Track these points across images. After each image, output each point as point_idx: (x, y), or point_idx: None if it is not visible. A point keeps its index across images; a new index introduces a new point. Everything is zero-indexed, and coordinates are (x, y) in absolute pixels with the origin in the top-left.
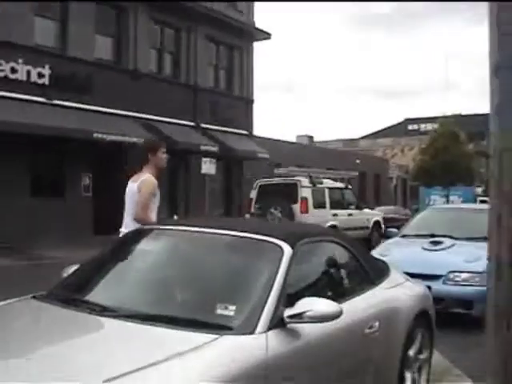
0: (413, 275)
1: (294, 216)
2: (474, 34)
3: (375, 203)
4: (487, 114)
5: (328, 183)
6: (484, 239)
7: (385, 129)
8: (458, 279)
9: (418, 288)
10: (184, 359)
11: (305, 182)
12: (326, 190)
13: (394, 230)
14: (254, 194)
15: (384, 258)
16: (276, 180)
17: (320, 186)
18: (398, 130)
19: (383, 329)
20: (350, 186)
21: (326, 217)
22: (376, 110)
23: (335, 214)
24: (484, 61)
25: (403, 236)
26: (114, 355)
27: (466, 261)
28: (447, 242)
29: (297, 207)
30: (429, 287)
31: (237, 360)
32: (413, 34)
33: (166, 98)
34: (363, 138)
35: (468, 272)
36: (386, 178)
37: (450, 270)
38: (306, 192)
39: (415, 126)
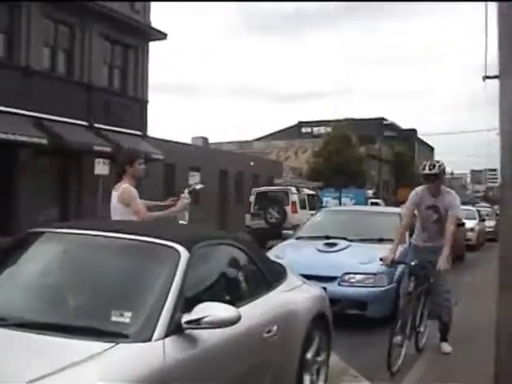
0: (309, 277)
1: (287, 215)
2: (370, 37)
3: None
4: (379, 119)
5: (306, 191)
6: (378, 241)
7: (279, 131)
8: (352, 280)
9: (314, 290)
10: (77, 370)
11: (293, 190)
12: (306, 196)
13: (289, 232)
14: (252, 199)
15: (280, 261)
16: (270, 188)
17: (302, 193)
18: (292, 132)
19: (281, 332)
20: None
21: (307, 215)
22: (270, 113)
23: (312, 214)
24: (381, 65)
25: (298, 238)
26: None
27: (360, 262)
28: (342, 243)
29: (288, 208)
30: (324, 289)
31: (133, 369)
32: (310, 36)
33: (59, 97)
34: (257, 139)
35: (362, 273)
36: (280, 181)
37: (345, 271)
38: (294, 197)
39: (308, 129)
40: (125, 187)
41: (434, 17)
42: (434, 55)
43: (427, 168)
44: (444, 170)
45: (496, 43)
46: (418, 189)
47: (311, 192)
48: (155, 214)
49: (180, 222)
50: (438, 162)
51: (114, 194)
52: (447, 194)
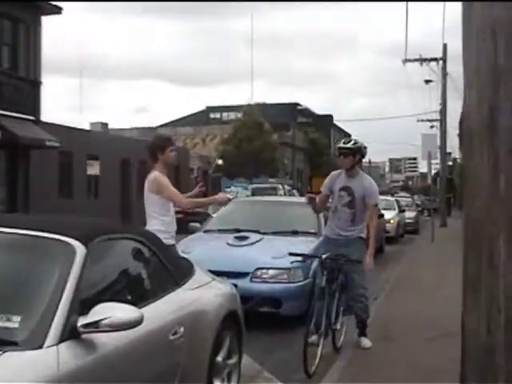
0: (218, 273)
1: None
2: (282, 19)
3: None
4: (293, 104)
5: (287, 186)
6: (292, 233)
7: (185, 117)
8: (265, 276)
9: (224, 287)
10: None
11: (280, 186)
12: (287, 190)
13: (197, 224)
14: (249, 193)
15: (187, 256)
16: (264, 185)
17: (286, 188)
18: (200, 118)
19: (188, 334)
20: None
21: None
22: (176, 98)
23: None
24: (289, 48)
25: (206, 231)
26: None
27: (273, 257)
28: (253, 236)
29: None
30: (235, 285)
31: (24, 380)
32: (215, 18)
33: None
34: (162, 126)
35: (276, 268)
36: (187, 169)
37: (258, 266)
38: (281, 191)
39: (217, 115)
40: (155, 175)
41: None
42: (352, 38)
43: (342, 142)
44: (361, 149)
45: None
46: (335, 172)
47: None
48: (196, 200)
49: (212, 212)
50: (355, 140)
51: (145, 186)
52: (364, 178)
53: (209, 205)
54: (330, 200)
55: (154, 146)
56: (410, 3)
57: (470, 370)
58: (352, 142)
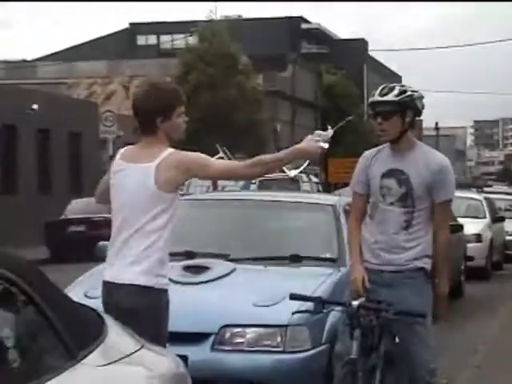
0: None
1: None
2: None
3: (70, 191)
4: (294, 19)
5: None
6: (289, 260)
7: (90, 41)
8: (240, 341)
9: (161, 362)
10: None
11: (304, 177)
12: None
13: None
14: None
15: (92, 303)
16: (273, 176)
17: (313, 180)
18: (118, 44)
19: None
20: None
21: None
22: (74, 10)
23: None
24: None
25: None
26: None
27: (255, 303)
28: (218, 266)
29: None
30: (185, 358)
31: None
32: None
33: None
34: (46, 58)
35: (260, 326)
36: (96, 142)
37: (225, 323)
38: (306, 186)
39: (152, 40)
40: (172, 153)
41: None
42: None
43: (378, 92)
44: (414, 100)
45: None
46: (369, 151)
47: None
48: (270, 159)
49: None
50: (403, 86)
51: (141, 169)
52: (427, 153)
53: (288, 163)
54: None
55: (153, 103)
56: None
57: None
58: (396, 92)
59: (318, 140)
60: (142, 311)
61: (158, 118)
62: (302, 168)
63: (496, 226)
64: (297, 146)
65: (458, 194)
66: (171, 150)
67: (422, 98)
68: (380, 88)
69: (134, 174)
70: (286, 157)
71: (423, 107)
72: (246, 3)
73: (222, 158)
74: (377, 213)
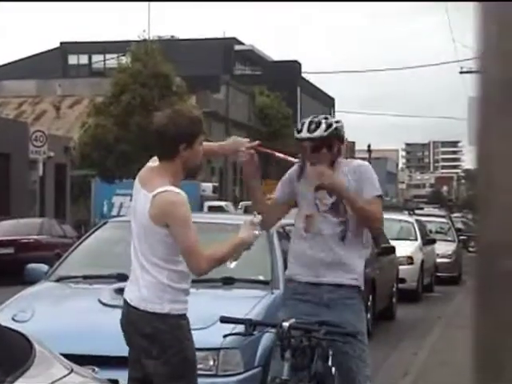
0: (83, 359)
1: None
2: None
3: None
4: (228, 40)
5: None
6: (222, 282)
7: (23, 59)
8: None
9: None
10: None
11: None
12: None
13: (42, 266)
14: None
15: (21, 327)
16: None
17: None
18: (50, 63)
19: None
20: None
21: None
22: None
23: None
24: None
25: (59, 280)
26: None
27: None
28: None
29: None
30: (116, 382)
31: None
32: None
33: None
34: None
35: (204, 349)
36: (25, 163)
37: None
38: None
39: (83, 60)
40: (171, 194)
41: None
42: None
43: (305, 127)
44: (339, 131)
45: None
46: (293, 169)
47: None
48: (217, 256)
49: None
50: (326, 118)
51: (144, 196)
52: (349, 164)
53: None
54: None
55: (179, 129)
56: None
57: None
58: (323, 127)
59: (252, 227)
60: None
61: (181, 144)
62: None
63: (427, 248)
64: (237, 240)
65: (390, 216)
66: (169, 188)
67: (343, 126)
68: (306, 124)
69: (140, 200)
70: (233, 251)
71: (344, 132)
72: (179, 23)
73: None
74: (311, 225)
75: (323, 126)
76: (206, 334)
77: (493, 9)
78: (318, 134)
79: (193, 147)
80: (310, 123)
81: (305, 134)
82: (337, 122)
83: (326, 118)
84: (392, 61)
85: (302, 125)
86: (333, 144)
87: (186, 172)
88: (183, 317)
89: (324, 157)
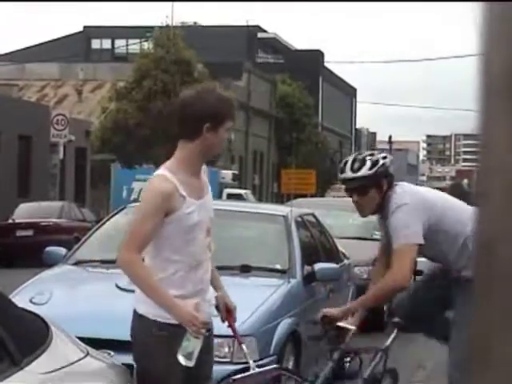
0: (99, 342)
1: None
2: None
3: (18, 195)
4: (250, 28)
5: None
6: (240, 270)
7: (45, 43)
8: None
9: (108, 372)
10: None
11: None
12: None
13: (59, 248)
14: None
15: (38, 310)
16: None
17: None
18: (72, 47)
19: None
20: None
21: None
22: (28, 11)
23: None
24: None
25: (78, 263)
26: None
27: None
28: None
29: None
30: (131, 367)
31: None
32: None
33: None
34: None
35: (220, 336)
36: (46, 146)
37: None
38: None
39: (106, 44)
40: (152, 178)
41: None
42: None
43: (348, 168)
44: (386, 168)
45: None
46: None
47: None
48: (143, 276)
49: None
50: (372, 154)
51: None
52: (390, 205)
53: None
54: None
55: (206, 107)
56: None
57: None
58: (369, 165)
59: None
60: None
61: (205, 124)
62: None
63: None
64: (169, 302)
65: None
66: (160, 172)
67: (391, 161)
68: (350, 162)
69: None
70: (158, 298)
71: (390, 167)
72: (203, 10)
73: None
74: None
75: (368, 163)
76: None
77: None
78: (363, 172)
79: (217, 131)
80: (354, 161)
81: (348, 174)
82: (384, 157)
83: (371, 155)
84: (418, 48)
85: (345, 164)
86: (381, 183)
87: (204, 157)
88: (166, 327)
89: (372, 199)
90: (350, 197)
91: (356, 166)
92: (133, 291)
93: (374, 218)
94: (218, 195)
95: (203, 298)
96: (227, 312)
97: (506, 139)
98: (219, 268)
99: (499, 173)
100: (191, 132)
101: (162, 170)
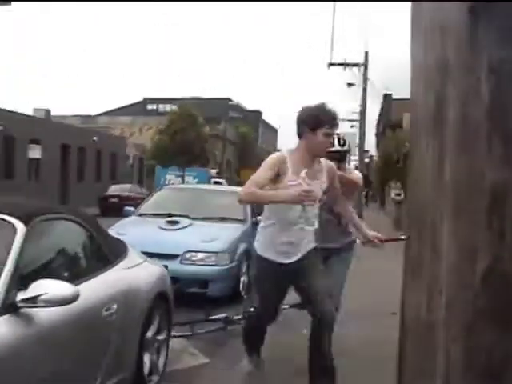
0: (150, 255)
1: None
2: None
3: (111, 181)
4: (225, 99)
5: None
6: (220, 219)
7: (124, 107)
8: (194, 259)
9: (155, 268)
10: None
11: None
12: None
13: (131, 208)
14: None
15: (121, 237)
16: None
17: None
18: (137, 109)
19: (121, 311)
20: None
21: None
22: (116, 88)
23: None
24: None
25: (140, 215)
26: None
27: (202, 241)
28: (184, 221)
29: None
30: (166, 267)
31: None
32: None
33: None
34: (102, 114)
35: (204, 252)
36: (123, 157)
37: (187, 249)
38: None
39: (154, 106)
40: (275, 154)
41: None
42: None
43: (336, 142)
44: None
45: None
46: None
47: None
48: (259, 194)
49: None
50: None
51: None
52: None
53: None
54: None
55: (304, 117)
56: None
57: (410, 345)
58: (347, 143)
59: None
60: None
61: (306, 126)
62: None
63: None
64: (288, 192)
65: None
66: (280, 151)
67: None
68: (336, 140)
69: None
70: (275, 198)
71: None
72: (206, 88)
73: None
74: None
75: (346, 141)
76: (212, 244)
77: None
78: (347, 147)
79: (316, 133)
80: (339, 139)
81: (337, 147)
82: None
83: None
84: None
85: (333, 140)
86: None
87: (312, 154)
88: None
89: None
90: (338, 161)
91: (341, 142)
92: (166, 229)
93: None
94: (208, 181)
95: None
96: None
97: (431, 175)
98: (209, 219)
99: (427, 207)
100: (299, 132)
101: (283, 151)
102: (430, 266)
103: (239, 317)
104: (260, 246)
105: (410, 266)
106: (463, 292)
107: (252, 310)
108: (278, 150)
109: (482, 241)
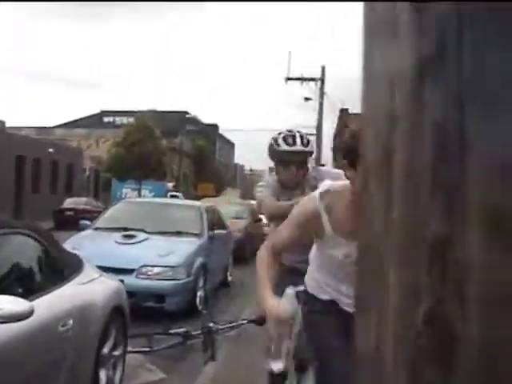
0: (106, 269)
1: None
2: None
3: (66, 193)
4: (182, 112)
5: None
6: (176, 234)
7: (81, 119)
8: (150, 273)
9: (111, 283)
10: None
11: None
12: None
13: (87, 222)
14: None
15: (77, 252)
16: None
17: None
18: (94, 121)
19: (77, 326)
20: None
21: None
22: (72, 100)
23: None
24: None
25: (96, 229)
26: None
27: (158, 255)
28: (140, 235)
29: None
30: (122, 281)
31: None
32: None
33: None
34: (58, 126)
35: (160, 266)
36: (80, 169)
37: (143, 263)
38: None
39: (111, 119)
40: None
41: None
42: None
43: (298, 140)
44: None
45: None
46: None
47: None
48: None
49: None
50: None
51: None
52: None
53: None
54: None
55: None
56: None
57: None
58: (311, 142)
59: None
60: None
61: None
62: None
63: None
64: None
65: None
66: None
67: None
68: (298, 137)
69: None
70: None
71: None
72: (163, 100)
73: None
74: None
75: (310, 141)
76: (168, 259)
77: None
78: (310, 148)
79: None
80: (301, 137)
81: (300, 146)
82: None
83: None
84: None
85: (291, 137)
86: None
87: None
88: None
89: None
90: (296, 168)
91: (305, 141)
92: (122, 243)
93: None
94: (164, 195)
95: None
96: None
97: (380, 217)
98: (165, 233)
99: (376, 247)
100: (353, 164)
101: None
102: (377, 305)
103: (198, 332)
104: None
105: (360, 305)
106: (407, 331)
107: (211, 325)
108: (236, 165)
109: (425, 283)
